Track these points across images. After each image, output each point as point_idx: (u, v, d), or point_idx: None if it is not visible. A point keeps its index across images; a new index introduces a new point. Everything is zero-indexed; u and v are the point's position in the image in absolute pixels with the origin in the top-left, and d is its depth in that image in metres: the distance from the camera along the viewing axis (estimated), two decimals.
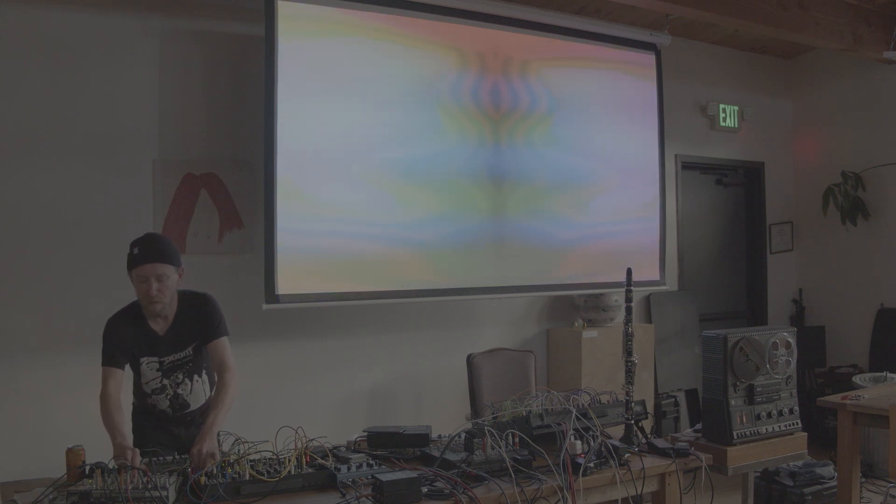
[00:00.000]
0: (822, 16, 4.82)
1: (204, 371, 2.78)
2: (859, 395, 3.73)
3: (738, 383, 2.93)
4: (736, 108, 5.98)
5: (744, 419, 2.92)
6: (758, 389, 2.96)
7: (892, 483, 4.39)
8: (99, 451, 2.44)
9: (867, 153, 5.81)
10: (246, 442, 2.36)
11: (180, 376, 2.72)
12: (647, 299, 5.46)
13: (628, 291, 2.91)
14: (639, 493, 2.56)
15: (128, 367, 2.68)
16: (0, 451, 3.35)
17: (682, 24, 5.22)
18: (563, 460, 2.42)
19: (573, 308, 5.03)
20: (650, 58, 5.06)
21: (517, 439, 2.58)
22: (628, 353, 2.85)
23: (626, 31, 4.92)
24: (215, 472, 2.21)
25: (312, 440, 2.42)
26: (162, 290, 2.58)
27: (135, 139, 3.76)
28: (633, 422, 2.84)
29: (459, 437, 2.54)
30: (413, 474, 2.27)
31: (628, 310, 2.89)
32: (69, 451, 2.33)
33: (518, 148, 4.47)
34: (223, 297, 3.83)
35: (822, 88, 6.20)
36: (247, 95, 3.97)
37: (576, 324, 4.98)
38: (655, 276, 5.04)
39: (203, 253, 3.88)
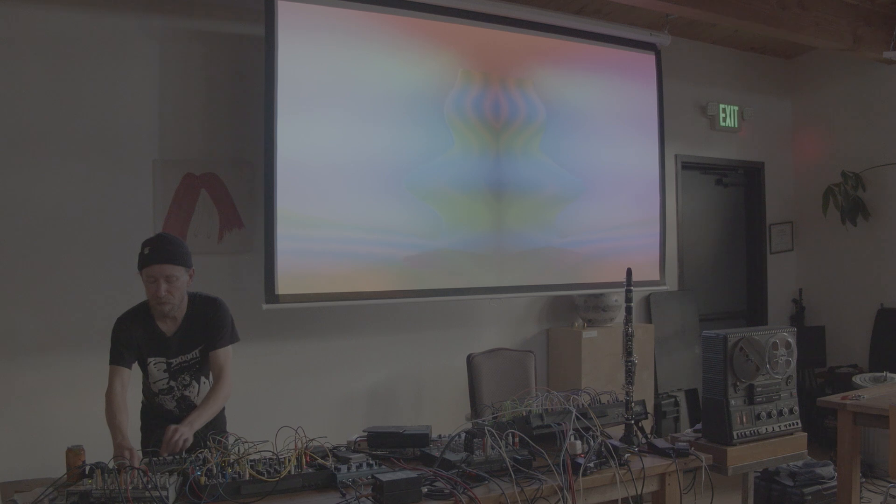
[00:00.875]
0: (822, 16, 4.82)
1: (211, 373, 2.78)
2: (859, 395, 3.73)
3: (738, 383, 2.93)
4: (736, 108, 5.98)
5: (744, 419, 2.92)
6: (758, 389, 2.97)
7: (892, 483, 4.39)
8: (99, 451, 2.44)
9: (867, 153, 5.81)
10: (246, 442, 2.36)
11: (187, 378, 2.72)
12: (647, 299, 5.46)
13: (628, 291, 2.91)
14: (639, 493, 2.56)
15: (136, 366, 2.68)
16: (0, 451, 3.35)
17: (682, 24, 5.22)
18: (563, 460, 2.42)
19: (573, 308, 5.03)
20: (650, 58, 5.06)
21: (517, 439, 2.58)
22: (628, 353, 2.85)
23: (626, 31, 4.92)
24: (215, 471, 2.22)
25: (312, 440, 2.42)
26: (171, 291, 2.59)
27: (135, 139, 3.76)
28: (633, 422, 2.84)
29: (459, 437, 2.54)
30: (413, 474, 2.27)
31: (628, 310, 2.89)
32: (69, 451, 2.33)
33: (518, 150, 4.47)
34: (223, 296, 3.85)
35: (822, 88, 6.20)
36: (247, 95, 3.97)
37: (576, 324, 4.98)
38: (655, 276, 5.04)
39: (203, 253, 3.88)
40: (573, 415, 2.62)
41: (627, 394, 2.83)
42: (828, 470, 4.31)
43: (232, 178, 3.98)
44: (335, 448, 2.58)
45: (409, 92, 4.14)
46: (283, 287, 3.74)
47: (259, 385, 3.99)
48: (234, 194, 3.98)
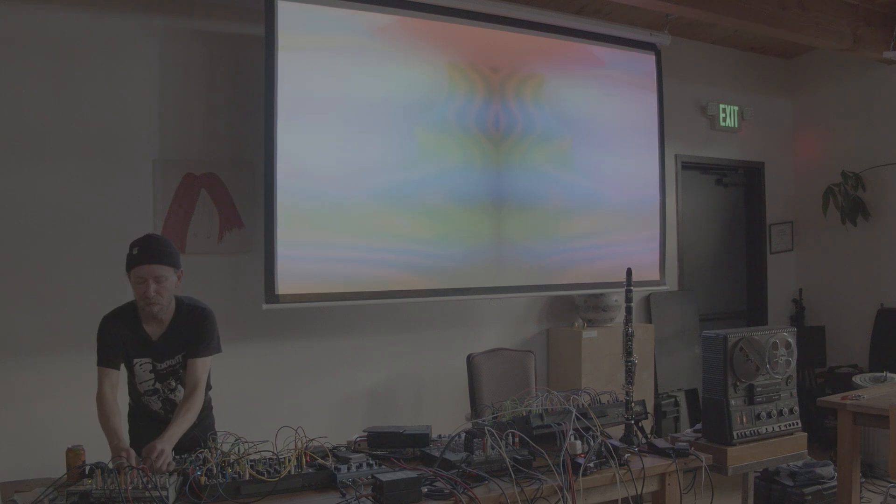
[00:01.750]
0: (822, 16, 4.82)
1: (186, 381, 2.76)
2: (859, 395, 3.73)
3: (738, 383, 2.94)
4: (736, 108, 5.98)
5: (744, 419, 2.92)
6: (758, 389, 2.97)
7: (892, 483, 4.39)
8: (99, 451, 2.44)
9: (867, 153, 5.81)
10: (246, 442, 2.36)
11: (173, 382, 2.71)
12: (647, 299, 5.46)
13: (628, 291, 2.91)
14: (639, 493, 2.56)
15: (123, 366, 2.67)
16: (0, 451, 3.35)
17: (682, 24, 5.22)
18: (563, 460, 2.42)
19: (573, 308, 5.03)
20: (650, 58, 5.06)
21: (517, 439, 2.58)
22: (628, 353, 2.85)
23: (626, 31, 4.92)
24: (215, 471, 2.22)
25: (312, 440, 2.42)
26: (160, 292, 2.57)
27: (135, 139, 3.76)
28: (633, 422, 2.84)
29: (459, 437, 2.54)
30: (413, 474, 2.27)
31: (628, 310, 2.89)
32: (69, 451, 2.33)
33: (524, 111, 4.48)
34: (223, 297, 3.88)
35: (822, 88, 6.20)
36: (247, 95, 3.97)
37: (576, 324, 4.98)
38: (655, 276, 5.04)
39: (203, 253, 3.88)
40: (573, 415, 2.62)
41: (627, 394, 2.83)
42: (828, 470, 4.31)
43: (232, 178, 3.98)
44: (335, 448, 2.58)
45: (408, 90, 4.14)
46: (283, 287, 3.74)
47: (259, 385, 3.99)
48: (234, 194, 3.98)
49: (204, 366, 2.66)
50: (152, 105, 3.81)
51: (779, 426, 3.01)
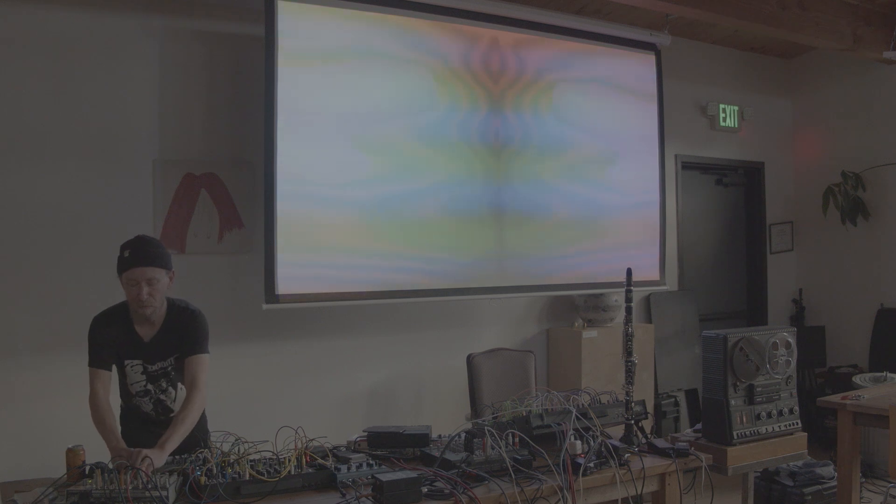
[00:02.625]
0: (822, 16, 4.82)
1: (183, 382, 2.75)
2: (859, 395, 3.73)
3: (738, 383, 2.94)
4: (736, 108, 5.98)
5: (744, 419, 2.92)
6: (758, 389, 2.97)
7: (892, 483, 4.39)
8: (99, 451, 2.44)
9: (867, 153, 5.81)
10: (246, 442, 2.36)
11: (164, 384, 2.71)
12: (647, 299, 5.46)
13: (628, 291, 2.91)
14: (639, 493, 2.56)
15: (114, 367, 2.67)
16: (0, 451, 3.35)
17: (682, 24, 5.22)
18: (563, 460, 2.42)
19: (573, 308, 5.03)
20: (650, 58, 5.06)
21: (517, 439, 2.58)
22: (628, 353, 2.85)
23: (626, 31, 4.92)
24: (215, 471, 2.22)
25: (312, 440, 2.42)
26: (152, 294, 2.56)
27: (135, 139, 3.76)
28: (633, 422, 2.84)
29: (459, 437, 2.54)
30: (413, 474, 2.27)
31: (628, 310, 2.89)
32: (69, 451, 2.33)
33: (522, 120, 4.47)
34: (223, 297, 3.88)
35: (822, 88, 6.20)
36: (247, 95, 3.97)
37: (576, 324, 4.98)
38: (655, 276, 5.04)
39: (203, 253, 3.88)
40: (573, 415, 2.62)
41: (627, 394, 2.83)
42: (828, 470, 4.31)
43: (232, 178, 3.98)
44: (335, 448, 2.58)
45: (408, 90, 4.14)
46: (283, 287, 3.74)
47: (259, 385, 3.99)
48: (234, 194, 3.98)
49: (201, 363, 2.64)
50: (152, 105, 3.81)
51: (779, 426, 3.01)
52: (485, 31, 4.38)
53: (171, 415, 2.71)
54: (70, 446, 2.34)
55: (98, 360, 2.59)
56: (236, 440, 2.37)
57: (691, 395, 5.48)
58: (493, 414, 2.83)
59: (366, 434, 2.75)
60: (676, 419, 5.34)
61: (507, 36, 4.45)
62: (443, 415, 4.21)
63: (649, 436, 2.93)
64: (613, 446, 2.57)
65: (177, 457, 2.41)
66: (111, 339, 2.61)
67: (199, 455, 2.33)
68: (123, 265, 2.57)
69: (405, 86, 4.13)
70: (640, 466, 2.59)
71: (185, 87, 3.89)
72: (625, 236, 4.89)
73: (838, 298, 6.07)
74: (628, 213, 4.92)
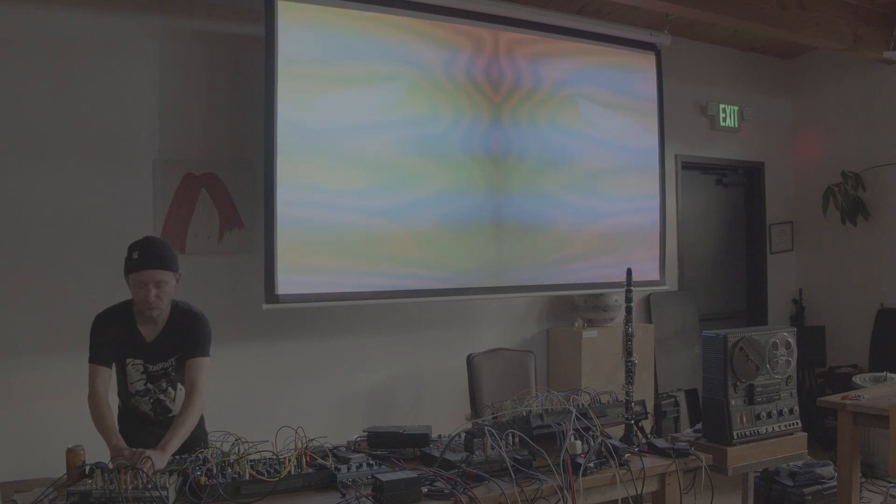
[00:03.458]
0: (822, 16, 4.82)
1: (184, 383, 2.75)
2: (859, 395, 3.73)
3: (738, 383, 2.94)
4: (736, 108, 5.98)
5: (744, 419, 2.92)
6: (758, 389, 2.97)
7: (892, 483, 4.39)
8: (99, 451, 2.44)
9: (867, 153, 5.81)
10: (246, 442, 2.36)
11: (164, 384, 2.71)
12: (647, 299, 5.46)
13: (628, 291, 2.91)
14: (639, 493, 2.56)
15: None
16: (0, 451, 3.35)
17: (682, 24, 5.22)
18: (563, 460, 2.42)
19: (573, 308, 5.03)
20: (650, 58, 5.06)
21: (517, 439, 2.58)
22: (628, 353, 2.85)
23: (626, 31, 4.92)
24: (215, 471, 2.22)
25: (312, 440, 2.42)
26: (160, 296, 2.57)
27: (135, 139, 3.76)
28: (633, 422, 2.84)
29: (459, 437, 2.54)
30: (413, 474, 2.27)
31: (628, 310, 2.89)
32: (69, 451, 2.33)
33: (519, 130, 4.47)
34: (223, 297, 3.88)
35: (822, 88, 6.20)
36: (247, 95, 3.97)
37: (576, 324, 4.98)
38: (655, 276, 5.04)
39: (203, 253, 3.88)
40: (573, 415, 2.62)
41: (627, 394, 2.83)
42: (828, 470, 4.31)
43: (232, 178, 3.98)
44: (335, 448, 2.58)
45: (407, 90, 4.13)
46: (283, 287, 3.74)
47: (259, 385, 3.99)
48: (234, 194, 3.98)
49: (201, 366, 2.64)
50: (152, 105, 3.81)
51: (779, 426, 3.01)
52: (487, 43, 4.38)
53: (170, 415, 2.71)
54: (70, 446, 2.34)
55: (99, 357, 2.59)
56: (236, 440, 2.37)
57: (691, 395, 5.48)
58: (493, 414, 2.83)
59: (366, 434, 2.75)
60: (676, 419, 5.34)
61: (507, 46, 4.43)
62: (443, 415, 4.21)
63: (649, 436, 2.93)
64: (613, 446, 2.57)
65: (177, 457, 2.41)
66: (113, 337, 2.62)
67: (199, 455, 2.33)
68: (132, 266, 2.57)
69: (404, 82, 4.12)
70: (640, 466, 2.59)
71: (185, 87, 3.89)
72: (625, 241, 4.89)
73: (838, 298, 6.07)
74: (629, 218, 4.91)
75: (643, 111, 5.01)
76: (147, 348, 2.66)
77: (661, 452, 2.73)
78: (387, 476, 2.22)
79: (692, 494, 3.24)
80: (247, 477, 2.21)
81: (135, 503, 2.06)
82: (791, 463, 4.03)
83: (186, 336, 2.67)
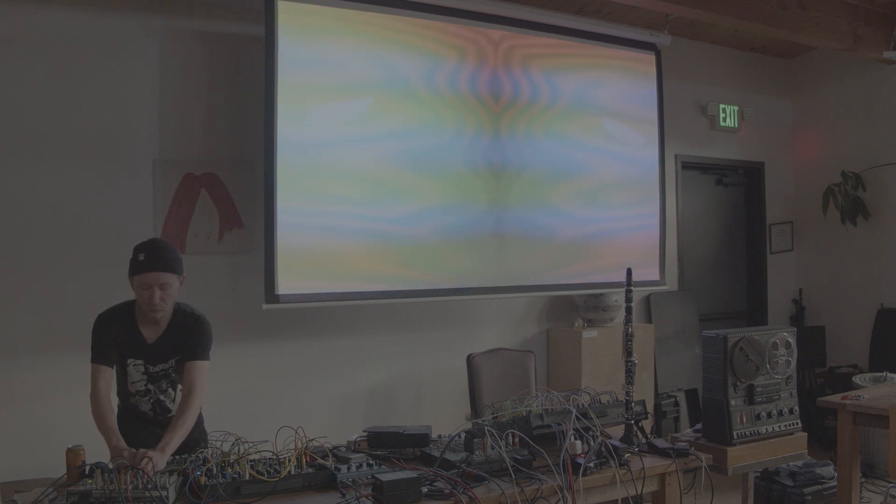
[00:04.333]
0: (822, 16, 4.82)
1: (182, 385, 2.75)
2: (859, 395, 3.73)
3: (738, 383, 2.94)
4: (736, 108, 5.98)
5: (744, 419, 2.92)
6: (758, 389, 2.97)
7: (892, 483, 4.39)
8: (99, 451, 2.44)
9: (867, 153, 5.81)
10: (246, 442, 2.36)
11: (164, 385, 2.71)
12: (647, 299, 5.46)
13: (628, 291, 2.91)
14: (639, 493, 2.56)
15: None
16: (0, 451, 3.35)
17: (682, 24, 5.22)
18: (563, 460, 2.42)
19: (573, 308, 5.03)
20: (650, 58, 5.06)
21: (517, 439, 2.58)
22: (628, 353, 2.85)
23: (626, 31, 4.92)
24: (215, 471, 2.22)
25: (312, 440, 2.42)
26: (164, 298, 2.58)
27: (135, 139, 3.76)
28: (633, 422, 2.84)
29: (459, 437, 2.54)
30: (413, 474, 2.27)
31: (628, 310, 2.89)
32: (69, 451, 2.33)
33: (518, 142, 4.46)
34: (223, 297, 3.88)
35: (822, 88, 6.20)
36: (247, 95, 3.97)
37: (576, 324, 4.98)
38: (655, 276, 5.04)
39: (203, 253, 3.88)
40: (573, 415, 2.62)
41: (627, 394, 2.83)
42: (828, 470, 4.31)
43: (232, 178, 3.98)
44: (335, 448, 2.58)
45: (407, 91, 4.14)
46: (283, 287, 3.74)
47: (259, 385, 3.99)
48: (234, 194, 3.98)
49: (200, 369, 2.64)
50: (152, 105, 3.81)
51: (779, 426, 3.01)
52: (490, 53, 4.37)
53: (169, 415, 2.71)
54: (70, 446, 2.34)
55: (101, 356, 2.60)
56: (236, 440, 2.37)
57: (691, 395, 5.48)
58: (493, 414, 2.83)
59: (366, 434, 2.75)
60: (676, 419, 5.34)
61: (508, 57, 4.43)
62: (443, 415, 4.21)
63: (649, 436, 2.93)
64: (613, 446, 2.57)
65: (177, 457, 2.41)
66: (115, 337, 2.62)
67: (199, 455, 2.33)
68: (137, 268, 2.57)
69: (404, 83, 4.12)
70: (640, 466, 2.59)
71: (185, 87, 3.89)
72: (625, 241, 4.89)
73: (838, 298, 6.07)
74: (630, 222, 4.91)
75: (645, 119, 5.00)
76: (148, 349, 2.66)
77: (661, 452, 2.73)
78: (387, 476, 2.22)
79: (692, 494, 3.24)
80: (247, 477, 2.22)
81: (135, 503, 2.06)
82: (791, 463, 4.03)
83: (187, 338, 2.67)
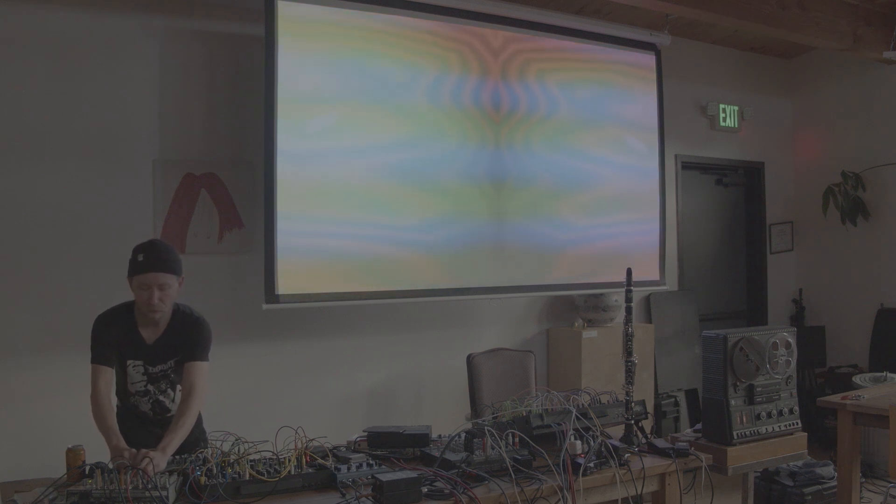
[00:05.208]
0: (822, 16, 4.82)
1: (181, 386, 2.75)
2: (859, 395, 3.73)
3: (738, 383, 2.94)
4: (736, 108, 5.98)
5: (744, 419, 2.92)
6: (758, 389, 2.97)
7: (892, 483, 4.39)
8: (99, 451, 2.44)
9: (867, 153, 5.81)
10: (246, 442, 2.36)
11: (164, 385, 2.71)
12: (647, 299, 5.46)
13: (628, 291, 2.91)
14: (639, 493, 2.56)
15: None
16: (0, 451, 3.35)
17: (682, 24, 5.22)
18: (563, 460, 2.42)
19: (573, 308, 5.03)
20: (650, 58, 5.06)
21: (517, 439, 2.58)
22: (628, 353, 2.85)
23: (626, 31, 4.92)
24: (215, 471, 2.22)
25: (312, 440, 2.42)
26: (163, 299, 2.57)
27: (135, 139, 3.76)
28: (633, 422, 2.84)
29: (459, 437, 2.54)
30: (413, 474, 2.27)
31: (628, 310, 2.89)
32: (69, 451, 2.33)
33: (518, 150, 4.47)
34: (223, 297, 3.89)
35: (822, 88, 6.20)
36: (247, 95, 3.97)
37: (576, 324, 4.98)
38: (655, 276, 5.04)
39: (203, 253, 3.88)
40: (573, 415, 2.62)
41: (627, 394, 2.83)
42: (828, 470, 4.31)
43: (232, 178, 3.98)
44: (335, 448, 2.58)
45: (407, 91, 4.14)
46: (283, 287, 3.74)
47: (259, 385, 4.00)
48: (234, 194, 3.98)
49: (199, 370, 2.64)
50: (152, 105, 3.81)
51: (779, 426, 3.01)
52: (492, 64, 4.37)
53: (169, 415, 2.71)
54: (70, 446, 2.34)
55: (101, 357, 2.60)
56: (236, 440, 2.37)
57: (691, 395, 5.48)
58: (493, 414, 2.83)
59: (366, 434, 2.75)
60: (676, 419, 5.34)
61: (507, 67, 4.43)
62: (443, 415, 4.21)
63: (649, 436, 2.93)
64: (613, 446, 2.57)
65: (177, 457, 2.41)
66: (114, 338, 2.62)
67: (199, 455, 2.33)
68: (137, 269, 2.57)
69: (404, 83, 4.12)
70: (640, 466, 2.59)
71: (185, 87, 3.89)
72: (626, 242, 4.89)
73: (838, 298, 6.07)
74: (630, 226, 4.91)
75: (646, 127, 5.00)
76: (147, 350, 2.66)
77: (661, 452, 2.73)
78: (387, 476, 2.22)
79: (692, 494, 3.24)
80: (247, 477, 2.22)
81: (135, 503, 2.06)
82: (791, 463, 4.03)
83: (187, 339, 2.67)
